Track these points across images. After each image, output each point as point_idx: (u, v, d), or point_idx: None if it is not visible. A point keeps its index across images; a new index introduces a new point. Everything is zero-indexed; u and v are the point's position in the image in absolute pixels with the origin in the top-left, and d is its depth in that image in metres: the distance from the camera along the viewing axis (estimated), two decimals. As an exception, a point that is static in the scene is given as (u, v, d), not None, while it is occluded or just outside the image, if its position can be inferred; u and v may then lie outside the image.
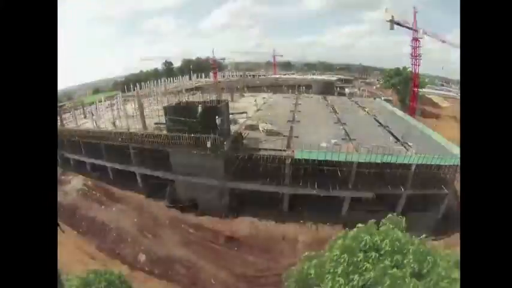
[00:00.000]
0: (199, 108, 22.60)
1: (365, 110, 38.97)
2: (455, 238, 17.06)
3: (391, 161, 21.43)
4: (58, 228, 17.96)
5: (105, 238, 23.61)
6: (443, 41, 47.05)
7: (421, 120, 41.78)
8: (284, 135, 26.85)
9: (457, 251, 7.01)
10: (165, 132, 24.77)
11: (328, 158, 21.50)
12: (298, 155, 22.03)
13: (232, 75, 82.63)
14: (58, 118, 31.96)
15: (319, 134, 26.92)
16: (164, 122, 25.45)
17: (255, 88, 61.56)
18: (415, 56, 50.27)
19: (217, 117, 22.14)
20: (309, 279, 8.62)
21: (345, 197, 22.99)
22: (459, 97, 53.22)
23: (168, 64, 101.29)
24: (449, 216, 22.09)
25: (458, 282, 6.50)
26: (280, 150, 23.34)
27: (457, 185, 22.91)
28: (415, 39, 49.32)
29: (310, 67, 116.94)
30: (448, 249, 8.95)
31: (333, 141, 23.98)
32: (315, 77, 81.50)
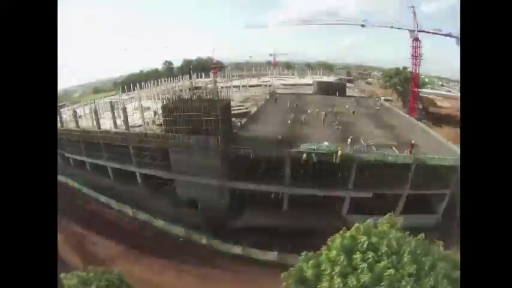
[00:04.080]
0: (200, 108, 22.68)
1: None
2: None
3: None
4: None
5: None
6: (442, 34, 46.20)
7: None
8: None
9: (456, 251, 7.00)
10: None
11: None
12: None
13: (233, 75, 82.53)
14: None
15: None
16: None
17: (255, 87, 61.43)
18: (415, 56, 50.26)
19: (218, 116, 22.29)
20: (307, 279, 8.60)
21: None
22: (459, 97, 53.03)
23: (168, 64, 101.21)
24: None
25: (458, 282, 6.48)
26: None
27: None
28: (415, 39, 49.33)
29: (310, 67, 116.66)
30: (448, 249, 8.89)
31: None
32: (315, 77, 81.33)
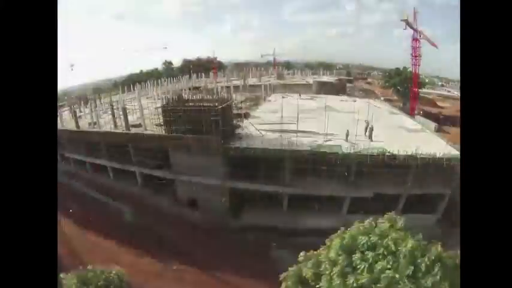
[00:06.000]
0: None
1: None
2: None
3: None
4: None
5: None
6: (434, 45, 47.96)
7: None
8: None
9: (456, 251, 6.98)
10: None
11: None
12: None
13: (233, 76, 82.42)
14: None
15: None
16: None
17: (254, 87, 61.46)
18: (415, 56, 50.30)
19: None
20: (306, 279, 8.60)
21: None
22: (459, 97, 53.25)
23: (168, 64, 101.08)
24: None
25: (458, 283, 6.45)
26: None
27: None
28: (415, 39, 49.38)
29: (310, 67, 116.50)
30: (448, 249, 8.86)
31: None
32: (315, 77, 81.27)
